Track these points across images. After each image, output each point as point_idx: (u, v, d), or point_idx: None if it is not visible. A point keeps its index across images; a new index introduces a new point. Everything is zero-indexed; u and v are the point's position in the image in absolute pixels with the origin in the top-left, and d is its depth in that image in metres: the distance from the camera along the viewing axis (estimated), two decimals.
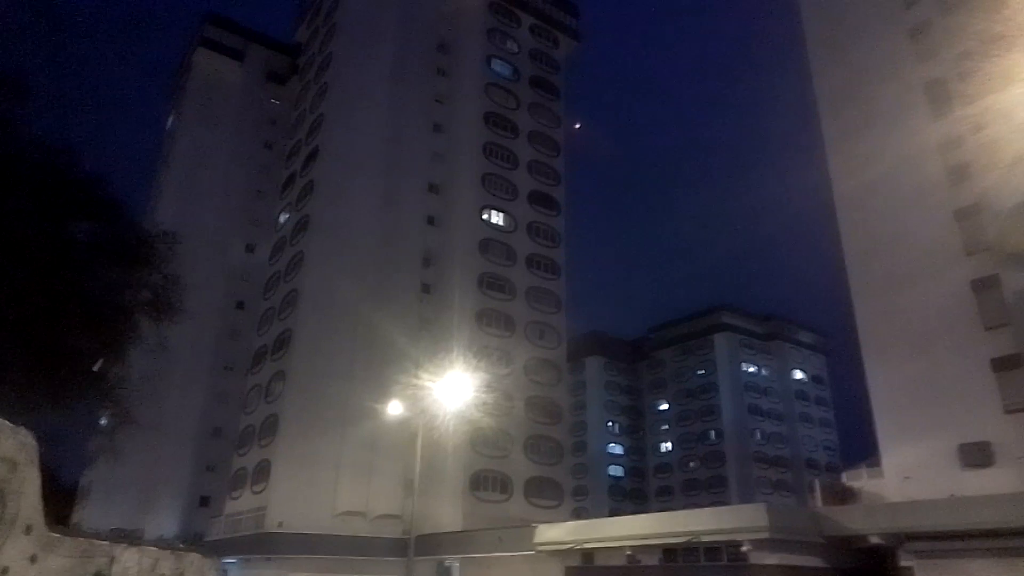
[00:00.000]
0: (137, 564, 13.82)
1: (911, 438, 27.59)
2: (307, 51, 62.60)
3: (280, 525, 38.94)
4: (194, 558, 17.56)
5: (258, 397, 47.37)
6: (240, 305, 61.56)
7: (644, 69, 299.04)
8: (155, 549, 15.76)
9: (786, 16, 38.74)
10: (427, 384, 28.46)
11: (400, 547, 37.64)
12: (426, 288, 50.68)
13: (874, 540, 23.86)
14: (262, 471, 42.61)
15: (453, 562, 38.35)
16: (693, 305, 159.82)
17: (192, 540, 47.92)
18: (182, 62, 76.31)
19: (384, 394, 38.19)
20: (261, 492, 41.81)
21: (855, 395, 32.36)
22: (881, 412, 29.43)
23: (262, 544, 38.86)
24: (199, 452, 57.25)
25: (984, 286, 27.23)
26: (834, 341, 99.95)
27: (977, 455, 25.74)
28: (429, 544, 38.38)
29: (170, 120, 75.66)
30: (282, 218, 54.70)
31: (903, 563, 23.32)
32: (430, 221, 52.82)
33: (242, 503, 43.89)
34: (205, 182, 64.74)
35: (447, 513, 42.55)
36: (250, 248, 63.61)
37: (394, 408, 29.65)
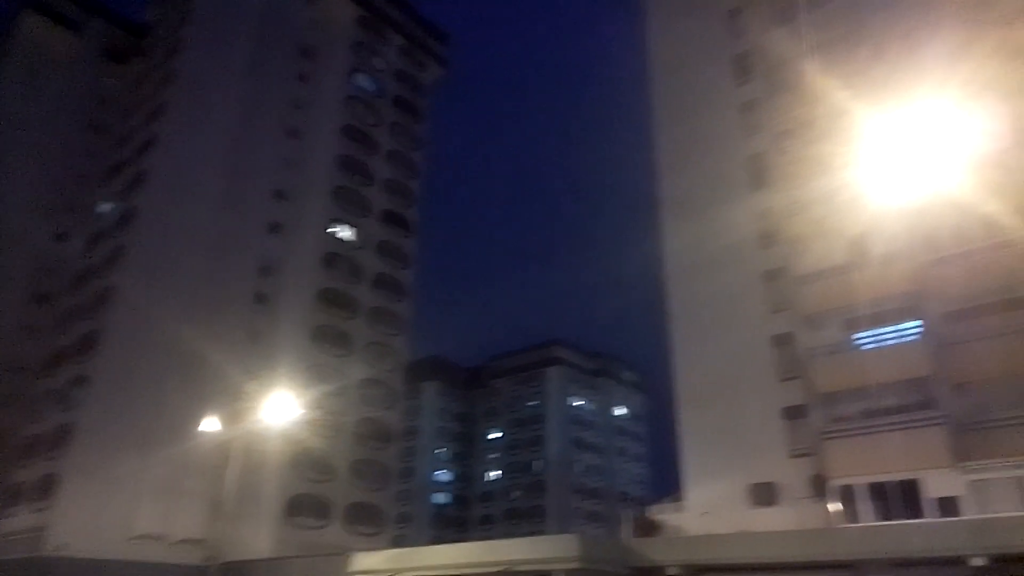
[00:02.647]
0: None
1: (711, 476, 30.09)
2: (155, 33, 58.20)
3: (61, 548, 34.76)
4: None
5: (52, 403, 42.37)
6: (42, 299, 54.84)
7: (508, 102, 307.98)
8: None
9: (642, 79, 41.65)
10: (251, 401, 26.93)
11: (201, 575, 34.95)
12: (261, 298, 48.07)
13: (673, 571, 25.47)
14: (47, 486, 37.89)
15: None
16: (532, 338, 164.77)
17: None
18: (4, 23, 67.86)
19: (201, 408, 35.44)
20: (43, 510, 37.17)
21: (668, 433, 34.82)
22: (687, 450, 31.84)
23: (37, 569, 34.40)
24: None
25: (782, 342, 30.48)
26: (654, 381, 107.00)
27: (764, 494, 28.54)
28: (234, 572, 35.86)
29: None
30: (103, 208, 49.87)
31: None
32: (273, 229, 50.41)
33: (17, 522, 38.76)
34: (13, 159, 57.41)
35: (259, 539, 40.19)
36: (61, 237, 57.05)
37: (209, 424, 27.67)
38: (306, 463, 43.87)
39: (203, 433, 29.46)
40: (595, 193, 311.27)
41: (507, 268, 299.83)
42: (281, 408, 26.33)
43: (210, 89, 49.46)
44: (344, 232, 52.10)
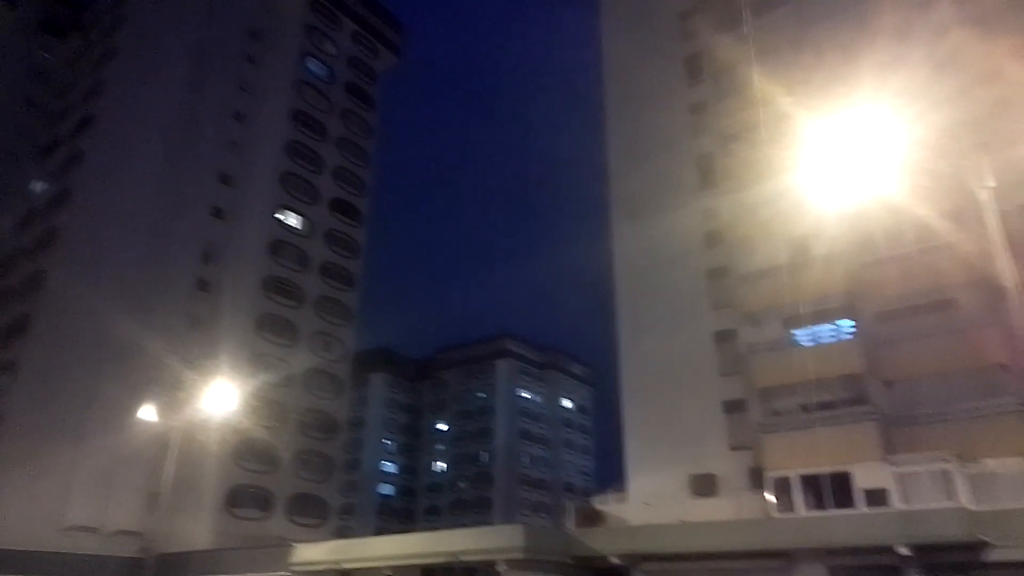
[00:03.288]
0: None
1: (653, 467, 30.66)
2: (95, 6, 55.92)
3: None
4: None
5: None
6: None
7: (463, 95, 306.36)
8: None
9: (598, 75, 41.92)
10: (191, 390, 26.30)
11: (137, 568, 34.01)
12: (203, 285, 46.86)
13: (614, 561, 25.99)
14: None
15: None
16: (481, 330, 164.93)
17: None
18: None
19: (138, 397, 34.52)
20: None
21: (613, 426, 35.38)
22: (631, 442, 32.39)
23: None
24: None
25: (724, 338, 31.20)
26: (601, 374, 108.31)
27: (704, 485, 29.24)
28: (172, 564, 35.08)
29: None
30: (36, 188, 47.77)
31: None
32: (216, 213, 49.16)
33: None
34: None
35: (198, 530, 39.31)
36: None
37: (146, 413, 26.91)
38: (248, 453, 43.05)
39: (140, 423, 28.68)
40: (550, 188, 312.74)
41: (458, 261, 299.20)
42: (222, 398, 25.83)
43: (152, 68, 47.77)
44: (291, 219, 51.13)
